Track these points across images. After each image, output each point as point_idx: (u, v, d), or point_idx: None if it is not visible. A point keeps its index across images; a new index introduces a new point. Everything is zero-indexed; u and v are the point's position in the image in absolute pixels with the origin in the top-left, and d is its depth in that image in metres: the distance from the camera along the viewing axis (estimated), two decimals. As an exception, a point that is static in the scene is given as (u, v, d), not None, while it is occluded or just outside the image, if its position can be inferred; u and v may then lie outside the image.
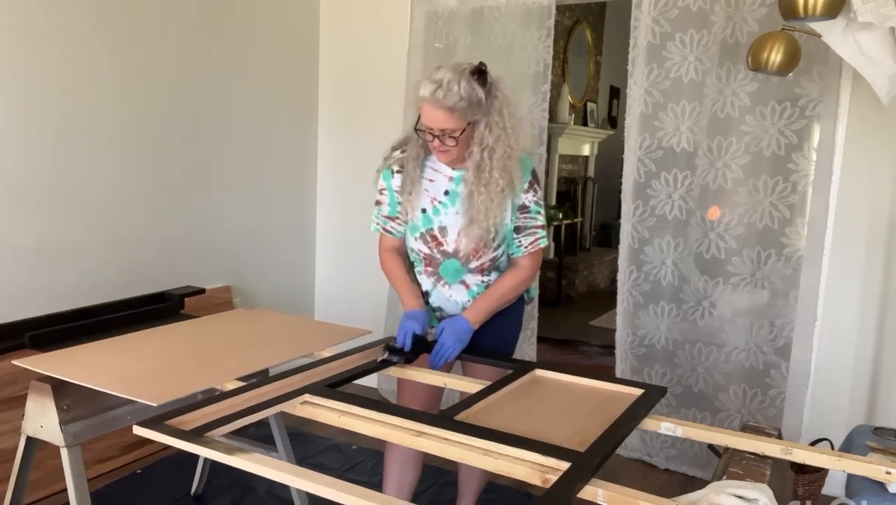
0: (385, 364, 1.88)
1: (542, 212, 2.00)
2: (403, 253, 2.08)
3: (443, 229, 1.96)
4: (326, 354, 1.91)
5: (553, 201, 6.43)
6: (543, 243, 2.01)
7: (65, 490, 1.79)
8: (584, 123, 7.06)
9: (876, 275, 2.69)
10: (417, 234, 1.99)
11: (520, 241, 1.98)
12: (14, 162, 2.51)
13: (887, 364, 2.67)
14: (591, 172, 7.40)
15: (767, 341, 2.84)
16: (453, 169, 1.95)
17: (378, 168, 2.04)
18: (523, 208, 1.96)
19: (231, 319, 2.31)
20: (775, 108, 2.72)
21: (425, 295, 2.06)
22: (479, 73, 1.83)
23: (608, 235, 7.68)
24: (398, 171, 1.99)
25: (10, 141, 2.49)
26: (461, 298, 2.03)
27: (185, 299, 2.44)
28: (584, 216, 7.34)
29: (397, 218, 2.02)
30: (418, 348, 1.90)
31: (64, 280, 2.67)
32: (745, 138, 2.77)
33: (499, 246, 1.97)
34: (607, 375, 1.87)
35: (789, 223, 2.76)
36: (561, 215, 6.46)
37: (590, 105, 7.22)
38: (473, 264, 1.98)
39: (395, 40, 3.54)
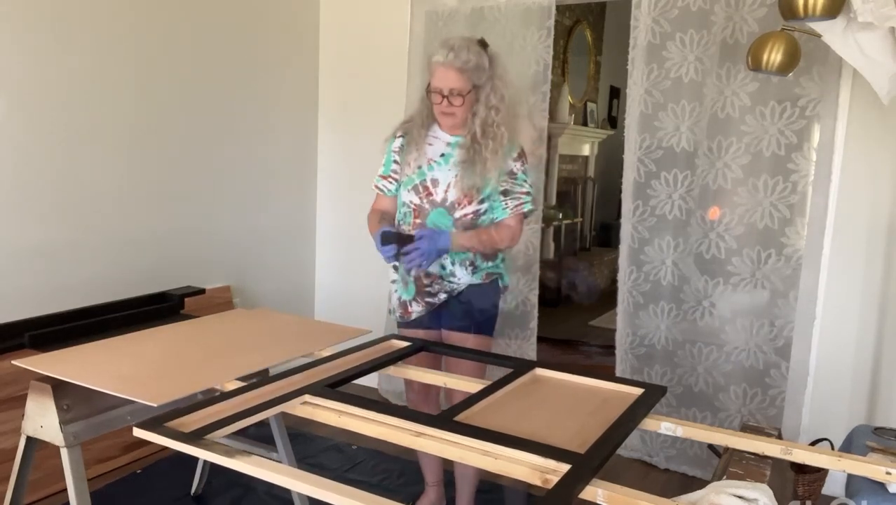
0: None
1: (528, 182, 2.21)
2: (388, 213, 2.28)
3: (434, 181, 2.18)
4: (326, 353, 1.91)
5: (553, 201, 6.43)
6: (527, 207, 2.20)
7: (65, 490, 1.79)
8: (584, 123, 7.05)
9: (876, 275, 2.69)
10: (410, 186, 2.20)
11: (506, 203, 2.18)
12: (14, 162, 2.51)
13: (887, 364, 2.67)
14: (591, 172, 7.40)
15: (767, 341, 2.84)
16: (451, 136, 2.19)
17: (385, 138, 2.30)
18: (511, 174, 2.17)
19: (231, 319, 2.31)
20: (775, 108, 2.72)
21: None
22: (483, 44, 2.12)
23: (608, 235, 7.68)
24: (400, 136, 2.25)
25: (11, 142, 2.49)
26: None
27: (185, 299, 2.44)
28: (584, 216, 7.34)
29: (390, 176, 2.27)
30: (391, 239, 2.08)
31: (64, 280, 2.67)
32: (745, 138, 2.77)
33: (483, 201, 2.14)
34: (607, 374, 1.87)
35: (789, 223, 2.76)
36: (561, 215, 6.45)
37: (590, 105, 7.21)
38: (458, 213, 2.15)
39: (395, 40, 3.54)
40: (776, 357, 2.83)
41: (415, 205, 2.19)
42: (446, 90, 2.07)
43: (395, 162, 2.25)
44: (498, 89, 2.11)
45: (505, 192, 2.17)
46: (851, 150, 2.67)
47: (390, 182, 2.28)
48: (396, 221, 2.26)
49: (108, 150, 2.82)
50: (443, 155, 2.18)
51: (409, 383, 2.35)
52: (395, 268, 2.29)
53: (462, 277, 2.19)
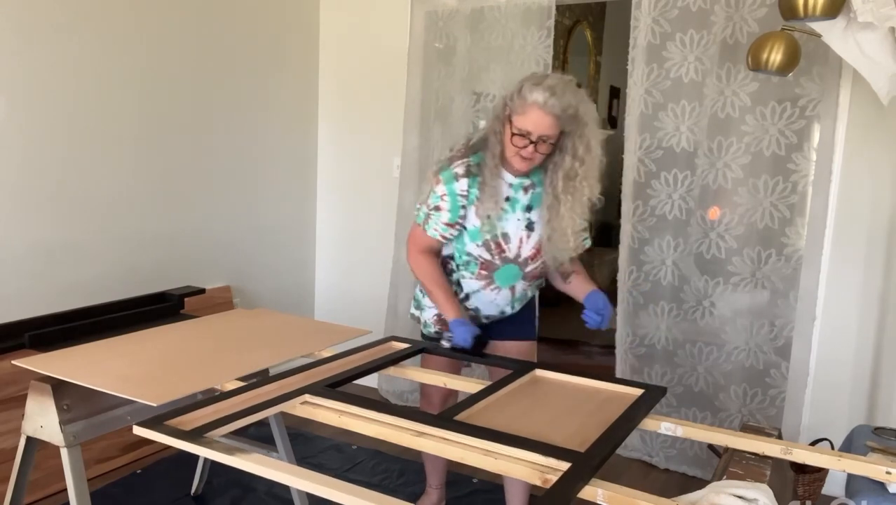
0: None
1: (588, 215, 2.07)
2: (438, 253, 2.09)
3: (505, 235, 2.00)
4: (326, 354, 1.91)
5: (553, 201, 6.41)
6: (588, 244, 2.10)
7: (65, 490, 1.79)
8: (584, 123, 7.04)
9: (876, 275, 2.69)
10: (480, 242, 2.00)
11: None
12: (15, 162, 2.51)
13: (887, 364, 2.67)
14: (591, 172, 7.38)
15: (767, 341, 2.84)
16: (515, 177, 1.99)
17: (436, 170, 2.03)
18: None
19: (231, 319, 2.31)
20: (775, 108, 2.72)
21: (465, 297, 2.10)
22: (579, 86, 1.91)
23: (608, 235, 7.67)
24: (463, 176, 1.96)
25: (12, 142, 2.49)
26: (503, 301, 2.10)
27: (185, 299, 2.44)
28: (584, 216, 7.32)
29: (456, 224, 2.01)
30: (477, 346, 1.96)
31: (64, 280, 2.67)
32: (745, 138, 2.77)
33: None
34: (607, 375, 1.87)
35: (789, 223, 2.76)
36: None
37: (590, 105, 7.20)
38: (529, 268, 2.05)
39: (395, 40, 3.54)
40: (776, 357, 2.83)
41: (483, 259, 2.02)
42: (535, 136, 1.86)
43: (463, 207, 1.98)
44: (586, 137, 1.92)
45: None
46: (851, 150, 2.67)
47: (457, 230, 2.01)
48: (449, 258, 2.10)
49: (109, 151, 2.82)
50: (508, 199, 1.99)
51: (426, 396, 2.29)
52: (449, 274, 2.13)
53: (518, 308, 2.18)
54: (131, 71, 2.86)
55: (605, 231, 7.87)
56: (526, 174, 1.99)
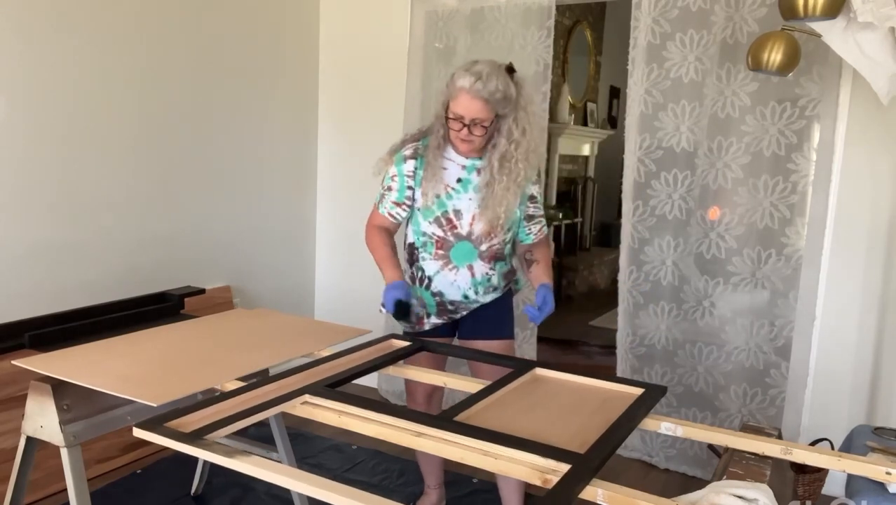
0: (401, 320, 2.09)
1: (542, 198, 2.22)
2: (391, 231, 2.19)
3: (457, 212, 2.09)
4: (326, 353, 1.91)
5: (553, 201, 6.43)
6: (545, 230, 2.24)
7: (65, 490, 1.79)
8: (584, 123, 7.05)
9: (876, 275, 2.69)
10: (432, 218, 2.10)
11: (529, 229, 2.19)
12: (15, 163, 2.51)
13: (887, 364, 2.67)
14: (591, 172, 7.40)
15: (767, 341, 2.84)
16: (466, 158, 2.09)
17: (385, 155, 2.15)
18: (532, 198, 2.17)
19: (231, 319, 2.31)
20: (775, 108, 2.72)
21: (427, 281, 2.16)
22: (511, 71, 2.00)
23: (608, 235, 7.68)
24: (410, 158, 2.09)
25: (12, 142, 2.49)
26: (464, 283, 2.14)
27: (185, 299, 2.44)
28: (584, 216, 7.34)
29: (403, 203, 2.13)
30: (404, 311, 2.04)
31: (64, 280, 2.67)
32: (745, 138, 2.77)
33: (508, 230, 2.12)
34: (608, 375, 1.87)
35: (789, 223, 2.76)
36: (561, 215, 6.45)
37: (590, 105, 7.21)
38: (484, 246, 2.11)
39: (395, 40, 3.54)
40: (776, 357, 2.83)
41: (437, 237, 2.12)
42: (468, 119, 1.96)
43: (409, 188, 2.11)
44: (521, 121, 2.01)
45: (528, 217, 2.18)
46: (851, 150, 2.67)
47: (404, 209, 2.15)
48: (412, 245, 2.19)
49: (109, 151, 2.82)
50: (459, 180, 2.09)
51: (410, 394, 2.31)
52: (413, 262, 2.22)
53: (486, 299, 2.19)
54: (131, 71, 2.86)
55: (605, 231, 7.89)
56: (479, 156, 2.08)
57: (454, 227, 2.10)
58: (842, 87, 2.63)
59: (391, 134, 3.55)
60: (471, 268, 2.12)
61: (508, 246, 2.17)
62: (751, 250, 2.82)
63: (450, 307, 2.18)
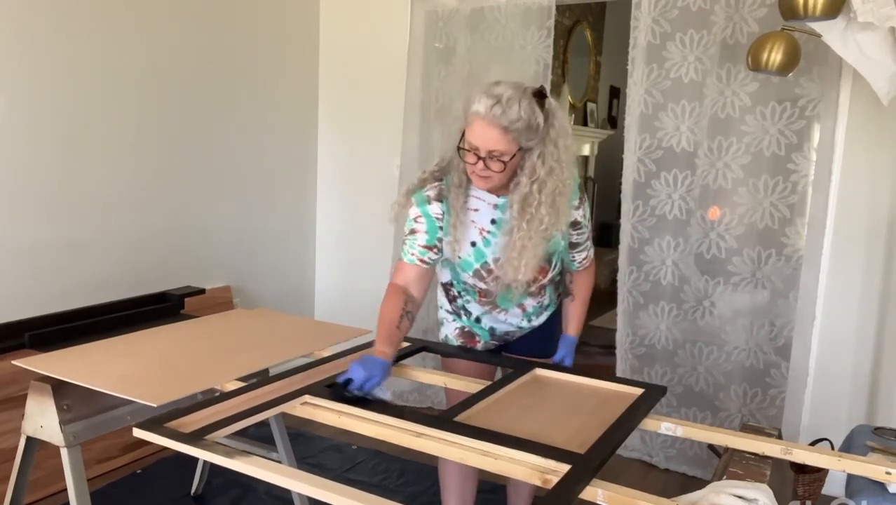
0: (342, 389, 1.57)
1: (589, 219, 1.92)
2: (418, 286, 1.81)
3: (497, 261, 1.80)
4: (326, 353, 1.91)
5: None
6: (591, 256, 1.98)
7: (65, 490, 1.79)
8: (584, 123, 7.05)
9: (876, 275, 2.69)
10: (471, 272, 1.84)
11: (573, 257, 1.93)
12: (15, 162, 2.51)
13: (887, 364, 2.67)
14: (591, 172, 7.39)
15: (767, 341, 2.84)
16: (497, 196, 1.79)
17: (407, 191, 1.82)
18: (575, 224, 1.87)
19: (231, 319, 2.31)
20: (775, 108, 2.72)
21: (476, 318, 1.98)
22: (541, 95, 1.66)
23: (608, 235, 7.67)
24: (436, 200, 1.77)
25: (12, 141, 2.49)
26: (515, 319, 1.97)
27: (185, 299, 2.44)
28: (584, 216, 7.32)
29: (435, 247, 1.79)
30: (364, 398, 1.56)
31: (64, 280, 2.67)
32: (745, 138, 2.77)
33: (553, 266, 1.90)
34: (608, 375, 1.87)
35: (789, 223, 2.76)
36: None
37: (590, 105, 7.21)
38: (533, 288, 1.90)
39: (395, 40, 3.54)
40: (776, 357, 2.83)
41: (479, 288, 1.88)
42: (483, 151, 1.63)
43: (440, 229, 1.78)
44: (548, 158, 1.66)
45: (572, 245, 1.90)
46: (851, 150, 2.67)
47: (435, 253, 1.80)
48: (448, 284, 1.97)
49: (109, 151, 2.82)
50: (494, 222, 1.79)
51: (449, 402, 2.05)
52: (453, 300, 2.00)
53: (540, 320, 2.03)
54: (131, 71, 2.86)
55: (605, 231, 7.89)
56: (504, 193, 1.77)
57: (497, 277, 1.82)
58: (842, 87, 2.63)
59: (391, 134, 3.59)
60: (521, 305, 1.94)
61: (558, 273, 1.96)
62: (751, 250, 2.82)
63: (505, 336, 2.04)
